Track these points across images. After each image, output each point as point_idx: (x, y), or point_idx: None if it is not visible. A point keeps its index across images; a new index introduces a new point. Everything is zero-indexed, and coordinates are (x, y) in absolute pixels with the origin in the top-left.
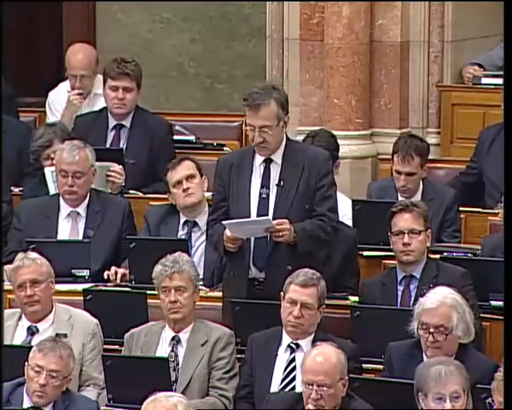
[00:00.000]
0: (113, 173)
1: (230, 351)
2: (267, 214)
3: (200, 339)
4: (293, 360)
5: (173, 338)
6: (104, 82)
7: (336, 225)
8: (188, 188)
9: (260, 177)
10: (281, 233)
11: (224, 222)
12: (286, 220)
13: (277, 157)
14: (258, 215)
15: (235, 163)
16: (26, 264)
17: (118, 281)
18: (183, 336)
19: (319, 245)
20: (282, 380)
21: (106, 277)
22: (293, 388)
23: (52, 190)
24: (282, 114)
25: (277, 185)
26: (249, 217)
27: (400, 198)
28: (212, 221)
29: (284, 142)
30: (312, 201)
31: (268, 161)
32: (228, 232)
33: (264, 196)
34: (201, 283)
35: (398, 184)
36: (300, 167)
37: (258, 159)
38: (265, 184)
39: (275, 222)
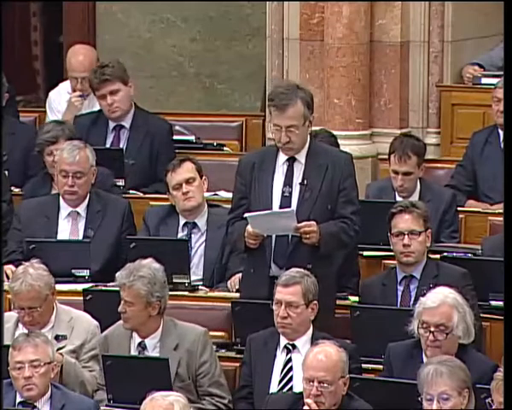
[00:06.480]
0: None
1: (209, 351)
2: None
3: (171, 343)
4: (289, 360)
5: (139, 344)
6: (94, 94)
7: (358, 228)
8: (187, 192)
9: (283, 175)
10: (308, 235)
11: (246, 214)
12: (313, 222)
13: (301, 157)
14: None
15: (257, 162)
16: (24, 289)
17: None
18: (150, 342)
19: (341, 247)
20: (280, 381)
21: None
22: (291, 389)
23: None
24: (308, 113)
25: (301, 184)
26: None
27: (398, 198)
28: (231, 219)
29: (308, 142)
30: (335, 202)
31: (291, 160)
32: (250, 228)
33: (286, 194)
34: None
35: (396, 184)
36: (324, 168)
37: (282, 158)
38: (288, 182)
39: (303, 224)
